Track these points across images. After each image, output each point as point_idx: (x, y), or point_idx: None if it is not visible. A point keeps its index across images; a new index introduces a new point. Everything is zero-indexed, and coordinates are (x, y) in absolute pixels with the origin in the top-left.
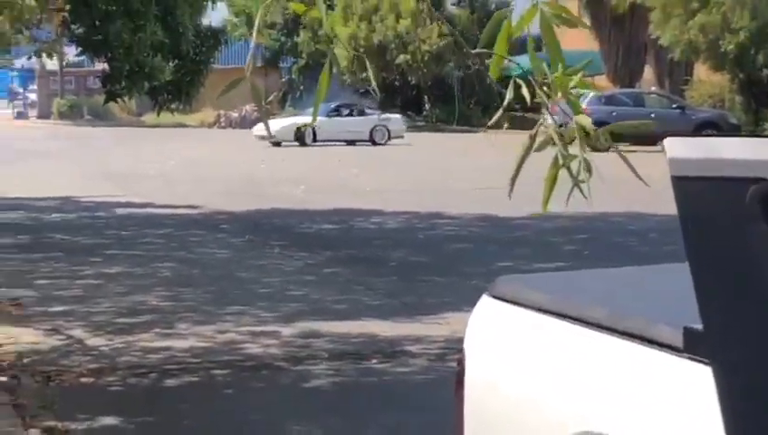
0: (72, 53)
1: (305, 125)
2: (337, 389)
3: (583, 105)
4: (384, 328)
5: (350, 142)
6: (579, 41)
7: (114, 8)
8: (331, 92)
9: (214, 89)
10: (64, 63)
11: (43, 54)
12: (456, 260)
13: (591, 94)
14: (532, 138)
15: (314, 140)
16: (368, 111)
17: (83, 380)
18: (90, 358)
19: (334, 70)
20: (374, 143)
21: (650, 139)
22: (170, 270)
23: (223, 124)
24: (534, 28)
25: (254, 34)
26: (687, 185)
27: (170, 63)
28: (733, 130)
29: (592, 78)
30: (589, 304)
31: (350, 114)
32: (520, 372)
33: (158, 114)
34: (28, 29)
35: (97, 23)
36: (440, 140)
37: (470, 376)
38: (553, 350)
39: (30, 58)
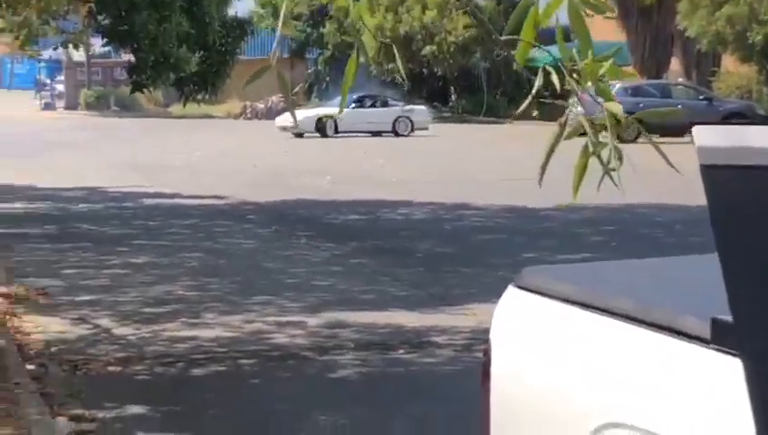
0: (98, 44)
1: (327, 116)
2: (363, 379)
3: None
4: (410, 319)
5: (374, 134)
6: (606, 32)
7: None
8: (356, 84)
9: (240, 80)
10: (91, 54)
11: (70, 45)
12: (483, 251)
13: (618, 86)
14: (562, 125)
15: (336, 131)
16: (391, 102)
17: (110, 368)
18: (117, 347)
19: (362, 59)
20: (397, 134)
21: (677, 130)
22: (197, 260)
23: (249, 115)
24: (563, 17)
25: (280, 25)
26: (716, 173)
27: (196, 54)
28: (760, 122)
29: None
30: (615, 295)
31: (373, 105)
32: (546, 363)
33: (184, 105)
34: (55, 20)
35: (123, 14)
36: (466, 131)
37: (496, 367)
38: (580, 341)
39: (57, 49)
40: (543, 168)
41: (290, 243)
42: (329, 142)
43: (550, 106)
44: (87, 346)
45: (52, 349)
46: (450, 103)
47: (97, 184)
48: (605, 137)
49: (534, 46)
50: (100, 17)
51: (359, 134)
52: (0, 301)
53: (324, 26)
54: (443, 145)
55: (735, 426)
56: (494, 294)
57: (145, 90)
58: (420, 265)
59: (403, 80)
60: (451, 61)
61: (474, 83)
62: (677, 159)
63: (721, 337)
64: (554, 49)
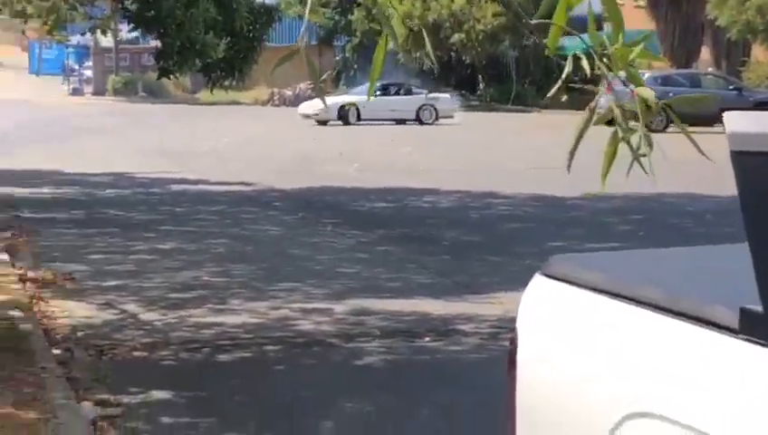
0: (126, 29)
1: (350, 104)
2: (389, 366)
3: None
4: (436, 307)
5: (398, 122)
6: (635, 21)
7: None
8: (384, 71)
9: (267, 67)
10: (119, 40)
11: (98, 31)
12: (510, 240)
13: (648, 75)
14: (592, 110)
15: (358, 119)
16: (415, 90)
17: (136, 354)
18: (143, 332)
19: (391, 46)
20: (421, 123)
21: (707, 120)
22: (223, 246)
23: (276, 102)
24: (595, 3)
25: (307, 13)
26: (747, 159)
27: (223, 41)
28: None
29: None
30: (643, 284)
31: (397, 93)
32: (573, 352)
33: (212, 91)
34: (83, 5)
35: None
36: (494, 119)
37: (522, 355)
38: (607, 329)
39: (84, 35)
40: (572, 153)
41: (316, 230)
42: (353, 130)
43: (580, 97)
44: (113, 331)
45: (79, 334)
46: (478, 92)
47: (124, 170)
48: (635, 125)
49: (566, 33)
50: (127, 2)
51: (382, 122)
52: (27, 285)
53: (352, 13)
54: (470, 133)
55: (764, 416)
56: (520, 282)
57: (171, 76)
58: (447, 253)
59: (433, 63)
60: (479, 49)
61: (502, 72)
62: (708, 147)
63: (750, 327)
64: (584, 38)
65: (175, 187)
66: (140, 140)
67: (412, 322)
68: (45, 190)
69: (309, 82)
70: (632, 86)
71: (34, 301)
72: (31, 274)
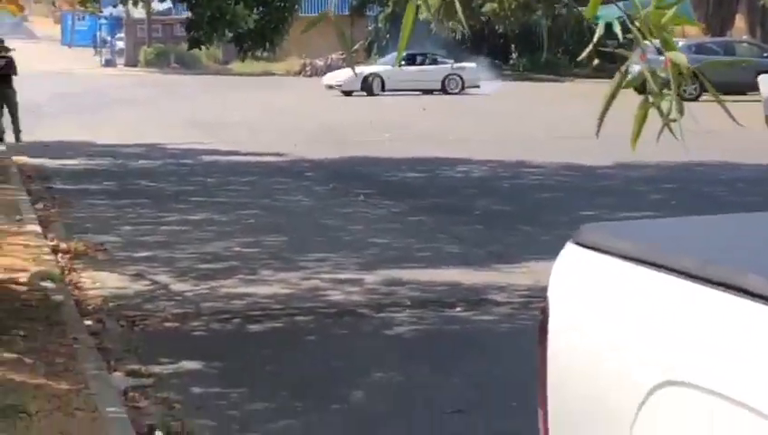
0: (157, 0)
1: (374, 74)
2: (420, 336)
3: None
4: (467, 276)
5: (425, 92)
6: None
7: None
8: (417, 42)
9: (299, 37)
10: (151, 11)
11: (130, 2)
12: (541, 209)
13: (681, 43)
14: (623, 74)
15: (383, 89)
16: (440, 59)
17: (167, 324)
18: (174, 303)
19: (424, 15)
20: (446, 93)
21: (741, 88)
22: (255, 217)
23: (309, 72)
24: None
25: None
26: None
27: (255, 11)
28: None
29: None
30: (675, 252)
31: (423, 63)
32: (604, 321)
33: (243, 61)
34: None
35: None
36: (525, 89)
37: (554, 324)
38: (639, 298)
39: (116, 6)
40: (602, 117)
41: (347, 200)
42: (379, 101)
43: (613, 67)
44: (144, 302)
45: (110, 304)
46: (511, 61)
47: (156, 141)
48: (667, 93)
49: (604, 2)
50: None
51: (406, 93)
52: (59, 257)
53: None
54: (502, 103)
55: None
56: (551, 251)
57: (202, 46)
58: (478, 222)
59: (464, 28)
60: (512, 18)
61: (535, 41)
62: (741, 116)
63: None
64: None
65: (206, 157)
66: (172, 111)
67: (443, 292)
68: (77, 162)
69: (340, 53)
70: (665, 53)
71: (66, 272)
72: (63, 245)
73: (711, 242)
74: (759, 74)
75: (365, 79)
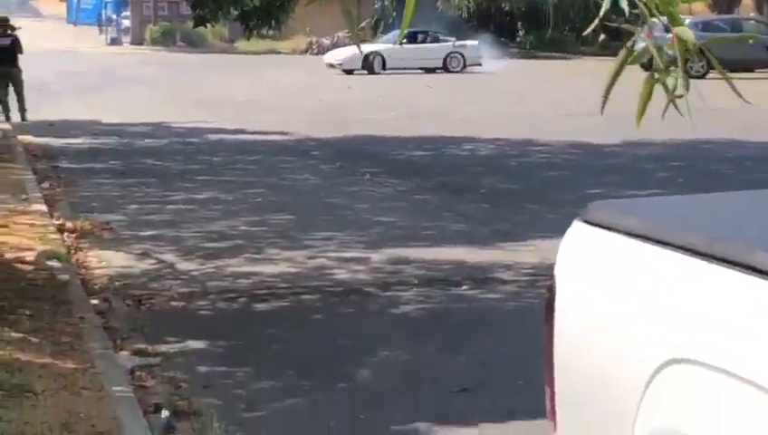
0: None
1: (374, 53)
2: (426, 315)
3: None
4: (474, 255)
5: (428, 70)
6: None
7: None
8: (424, 19)
9: (305, 16)
10: None
11: None
12: (547, 187)
13: (688, 21)
14: (628, 49)
15: (383, 68)
16: (441, 37)
17: (173, 303)
18: (180, 282)
19: None
20: (448, 71)
21: (748, 65)
22: (261, 196)
23: (315, 51)
24: None
25: None
26: None
27: None
28: None
29: (689, 4)
30: (683, 230)
31: (424, 41)
32: (611, 298)
33: (248, 39)
34: None
35: None
36: (532, 66)
37: (561, 301)
38: (646, 276)
39: None
40: (607, 93)
41: (353, 179)
42: (380, 79)
43: (620, 45)
44: (150, 281)
45: (116, 283)
46: (518, 39)
47: (162, 119)
48: (674, 70)
49: None
50: None
51: (407, 71)
52: (65, 236)
53: None
54: (508, 81)
55: None
56: (558, 229)
57: (207, 24)
58: (484, 201)
59: (470, 5)
60: None
61: (541, 19)
62: (748, 94)
63: None
64: None
65: (212, 136)
66: (178, 89)
67: (449, 270)
68: (83, 140)
69: (346, 31)
70: (672, 29)
71: (72, 251)
72: (69, 224)
73: (718, 219)
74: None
75: (366, 57)
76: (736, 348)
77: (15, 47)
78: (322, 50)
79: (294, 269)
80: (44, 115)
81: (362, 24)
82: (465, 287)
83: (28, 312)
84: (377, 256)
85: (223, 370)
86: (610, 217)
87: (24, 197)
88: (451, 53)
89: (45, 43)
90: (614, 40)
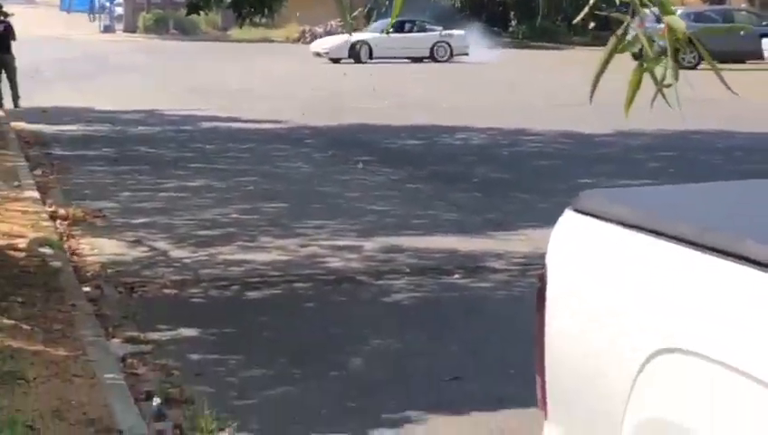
0: None
1: (361, 42)
2: (418, 303)
3: None
4: (466, 243)
5: (414, 60)
6: None
7: None
8: (417, 8)
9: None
10: None
11: None
12: (539, 176)
13: (679, 12)
14: (618, 37)
15: (370, 57)
16: (428, 27)
17: (166, 291)
18: (172, 270)
19: None
20: (435, 60)
21: (738, 57)
22: (253, 184)
23: (308, 39)
24: None
25: None
26: None
27: None
28: None
29: None
30: (674, 219)
31: (411, 30)
32: (603, 287)
33: (241, 26)
34: None
35: None
36: (524, 56)
37: (552, 290)
38: (637, 265)
39: None
40: (596, 81)
41: (346, 167)
42: (367, 68)
43: (609, 35)
44: (143, 269)
45: (109, 271)
46: (510, 29)
47: (155, 107)
48: (663, 59)
49: None
50: None
51: (394, 60)
52: (57, 223)
53: None
54: (500, 71)
55: None
56: (550, 219)
57: (201, 12)
58: (477, 190)
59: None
60: None
61: (534, 9)
62: (738, 86)
63: None
64: None
65: (205, 124)
66: (171, 77)
67: (441, 259)
68: (76, 127)
69: (339, 20)
70: (663, 18)
71: (65, 238)
72: (61, 211)
73: (709, 209)
74: (763, 37)
75: (353, 46)
76: (728, 338)
77: (8, 34)
78: (315, 38)
79: (287, 257)
80: (37, 102)
81: (355, 13)
82: (456, 276)
83: (20, 299)
84: (369, 245)
85: (215, 357)
86: (601, 207)
87: (16, 184)
88: (438, 42)
89: (38, 30)
90: (606, 30)
